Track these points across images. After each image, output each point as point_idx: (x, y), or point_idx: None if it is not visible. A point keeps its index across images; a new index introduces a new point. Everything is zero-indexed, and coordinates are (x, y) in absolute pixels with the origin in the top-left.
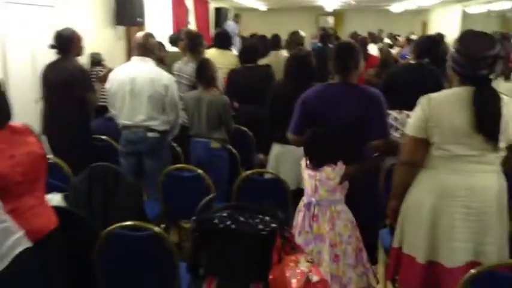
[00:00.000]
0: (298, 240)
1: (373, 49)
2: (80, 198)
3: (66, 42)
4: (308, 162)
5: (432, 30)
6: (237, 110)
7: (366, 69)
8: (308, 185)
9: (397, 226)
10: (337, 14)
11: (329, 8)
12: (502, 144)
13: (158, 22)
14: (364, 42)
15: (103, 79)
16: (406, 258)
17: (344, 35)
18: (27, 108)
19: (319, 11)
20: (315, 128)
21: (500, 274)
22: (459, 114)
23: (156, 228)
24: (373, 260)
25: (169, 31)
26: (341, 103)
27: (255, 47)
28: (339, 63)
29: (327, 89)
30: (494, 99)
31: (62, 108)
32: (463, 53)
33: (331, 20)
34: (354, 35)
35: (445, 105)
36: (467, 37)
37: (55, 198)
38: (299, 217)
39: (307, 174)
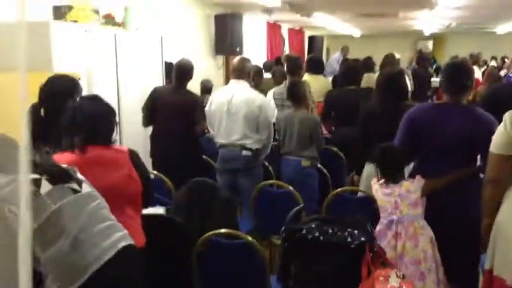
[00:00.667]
0: None
1: (476, 71)
2: (181, 211)
3: (186, 71)
4: (382, 180)
5: None
6: (331, 132)
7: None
8: (386, 203)
9: (489, 247)
10: (437, 38)
11: (427, 32)
12: None
13: (254, 51)
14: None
15: None
16: (496, 281)
17: (444, 60)
18: (137, 131)
19: (418, 36)
20: (384, 144)
21: None
22: None
23: (250, 238)
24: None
25: (265, 58)
26: (450, 123)
27: (356, 69)
28: (453, 83)
29: (436, 108)
30: None
31: (176, 130)
32: None
33: (430, 45)
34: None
35: None
36: None
37: (159, 211)
38: (380, 238)
39: (382, 193)
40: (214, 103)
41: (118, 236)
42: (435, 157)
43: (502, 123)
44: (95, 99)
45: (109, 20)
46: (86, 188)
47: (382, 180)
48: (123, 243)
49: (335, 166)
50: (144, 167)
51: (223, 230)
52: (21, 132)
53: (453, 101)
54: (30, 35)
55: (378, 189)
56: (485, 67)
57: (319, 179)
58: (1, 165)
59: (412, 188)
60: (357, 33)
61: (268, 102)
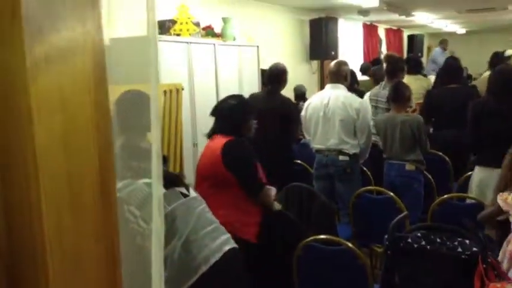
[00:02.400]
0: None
1: None
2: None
3: (278, 75)
4: None
5: None
6: (431, 135)
7: None
8: None
9: None
10: None
11: None
12: None
13: (350, 53)
14: None
15: None
16: None
17: None
18: None
19: None
20: None
21: None
22: None
23: (350, 244)
24: None
25: (361, 61)
26: None
27: (457, 67)
28: None
29: None
30: None
31: (271, 136)
32: None
33: None
34: None
35: None
36: None
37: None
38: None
39: None
40: (310, 108)
41: (223, 238)
42: None
43: None
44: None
45: (209, 31)
46: (193, 192)
47: None
48: (228, 246)
49: (439, 171)
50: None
51: (323, 236)
52: (153, 140)
53: None
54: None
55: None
56: None
57: (424, 183)
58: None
59: None
60: (461, 30)
61: (367, 105)
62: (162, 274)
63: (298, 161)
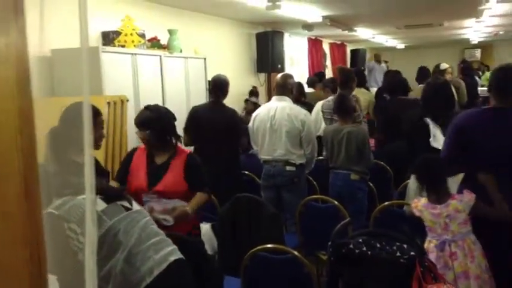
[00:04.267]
0: None
1: None
2: (226, 227)
3: (222, 86)
4: (424, 199)
5: None
6: (378, 145)
7: None
8: (433, 223)
9: None
10: (484, 47)
11: (475, 41)
12: None
13: (296, 67)
14: None
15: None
16: None
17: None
18: None
19: (464, 45)
20: (425, 154)
21: None
22: None
23: (296, 253)
24: None
25: (306, 74)
26: (503, 128)
27: (402, 80)
28: (503, 87)
29: (485, 113)
30: None
31: (217, 147)
32: None
33: (477, 53)
34: None
35: None
36: None
37: (204, 228)
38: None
39: (429, 213)
40: (257, 119)
41: (168, 250)
42: (487, 166)
43: None
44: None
45: (155, 43)
46: (136, 205)
47: (425, 200)
48: (173, 257)
49: (381, 180)
50: None
51: (270, 245)
52: (85, 154)
53: (504, 105)
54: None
55: (424, 210)
56: None
57: (367, 192)
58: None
59: (460, 207)
60: (400, 45)
61: (310, 117)
62: (95, 284)
63: (246, 172)
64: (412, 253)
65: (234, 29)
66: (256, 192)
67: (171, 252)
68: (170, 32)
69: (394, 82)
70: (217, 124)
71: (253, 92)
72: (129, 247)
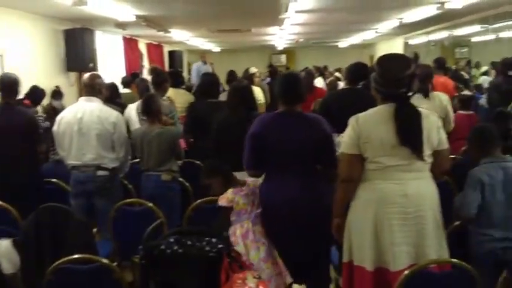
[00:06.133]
0: None
1: (319, 82)
2: (29, 241)
3: (13, 86)
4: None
5: None
6: (191, 145)
7: (313, 100)
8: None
9: (345, 241)
10: (289, 52)
11: (280, 47)
12: (427, 152)
13: (111, 66)
14: (311, 75)
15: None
16: (358, 270)
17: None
18: None
19: (272, 50)
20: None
21: (431, 273)
22: (385, 129)
23: (104, 260)
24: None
25: (123, 73)
26: (290, 131)
27: (215, 82)
28: (286, 93)
29: (275, 118)
30: (414, 114)
31: (14, 154)
32: (383, 75)
33: (283, 58)
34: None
35: (372, 123)
36: (385, 60)
37: (3, 244)
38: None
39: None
40: (63, 123)
41: None
42: (280, 165)
43: (350, 126)
44: None
45: None
46: None
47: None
48: None
49: (196, 178)
50: None
51: (75, 256)
52: None
53: (289, 109)
54: None
55: (235, 196)
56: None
57: (181, 192)
58: None
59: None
60: (216, 48)
61: (122, 119)
62: None
63: (53, 180)
64: (221, 246)
65: (38, 24)
66: (66, 201)
67: None
68: None
69: (204, 84)
70: (11, 129)
71: (57, 93)
72: None
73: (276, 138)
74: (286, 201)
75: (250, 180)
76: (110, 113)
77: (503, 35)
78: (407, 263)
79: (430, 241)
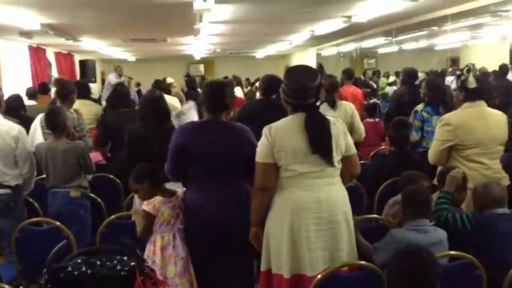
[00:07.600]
0: None
1: (238, 91)
2: None
3: None
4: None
5: None
6: (108, 158)
7: (232, 109)
8: (171, 216)
9: (263, 250)
10: (207, 62)
11: (198, 57)
12: (337, 158)
13: (16, 76)
14: (231, 85)
15: None
16: (275, 278)
17: None
18: None
19: (190, 60)
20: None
21: (341, 275)
22: (297, 138)
23: (6, 286)
24: None
25: (30, 84)
26: (216, 140)
27: (127, 93)
28: (212, 101)
29: (199, 127)
30: (323, 122)
31: None
32: (291, 86)
33: (201, 68)
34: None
35: (284, 132)
36: (292, 72)
37: None
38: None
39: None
40: None
41: None
42: (206, 173)
43: (264, 136)
44: None
45: None
46: None
47: (160, 197)
48: None
49: (111, 192)
50: None
51: None
52: None
53: (215, 117)
54: None
55: (162, 206)
56: (249, 87)
57: (92, 208)
58: None
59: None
60: (131, 57)
61: (25, 133)
62: None
63: None
64: (133, 263)
65: None
66: None
67: None
68: None
69: (117, 94)
70: None
71: None
72: None
73: (201, 146)
74: (210, 209)
75: (180, 192)
76: (11, 127)
77: (406, 46)
78: (323, 267)
79: (343, 244)
